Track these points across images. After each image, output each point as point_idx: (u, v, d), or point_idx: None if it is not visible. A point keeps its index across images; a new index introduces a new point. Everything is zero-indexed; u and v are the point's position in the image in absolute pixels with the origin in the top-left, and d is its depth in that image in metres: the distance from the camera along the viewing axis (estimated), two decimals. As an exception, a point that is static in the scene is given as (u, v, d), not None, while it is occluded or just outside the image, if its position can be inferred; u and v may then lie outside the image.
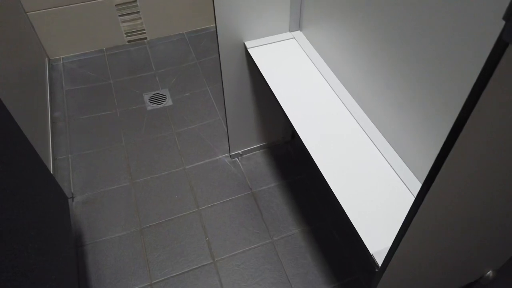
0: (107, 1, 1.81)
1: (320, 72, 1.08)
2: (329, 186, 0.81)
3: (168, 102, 1.76)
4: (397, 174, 0.83)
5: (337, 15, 0.98)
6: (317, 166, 0.86)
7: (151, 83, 1.83)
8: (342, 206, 0.78)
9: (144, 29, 1.99)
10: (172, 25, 2.03)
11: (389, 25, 0.78)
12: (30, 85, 1.50)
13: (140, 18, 1.93)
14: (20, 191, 0.83)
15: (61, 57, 1.92)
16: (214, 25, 2.10)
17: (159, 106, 1.74)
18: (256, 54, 1.16)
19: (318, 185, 1.44)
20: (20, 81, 1.38)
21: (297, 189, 1.44)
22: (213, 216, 1.36)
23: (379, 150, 0.88)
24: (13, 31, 1.48)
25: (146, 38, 2.03)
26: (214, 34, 2.08)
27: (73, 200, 1.39)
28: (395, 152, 0.87)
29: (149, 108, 1.73)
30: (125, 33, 1.96)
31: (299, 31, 1.22)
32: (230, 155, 1.52)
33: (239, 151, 1.52)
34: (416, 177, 0.82)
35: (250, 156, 1.54)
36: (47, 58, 1.89)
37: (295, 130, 0.94)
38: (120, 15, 1.88)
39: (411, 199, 0.79)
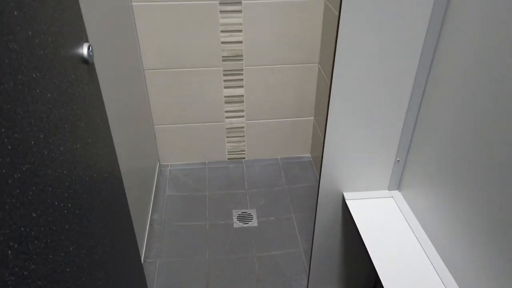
0: (220, 125, 2.08)
1: (415, 235, 1.09)
2: None
3: (254, 222, 1.84)
4: None
5: (441, 184, 1.02)
6: None
7: (241, 201, 1.96)
8: None
9: (244, 150, 2.20)
10: (269, 150, 2.22)
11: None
12: (142, 186, 1.70)
13: (243, 141, 2.16)
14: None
15: (169, 164, 2.17)
16: (308, 155, 2.26)
17: (245, 225, 1.83)
18: (353, 206, 1.22)
19: None
20: (135, 180, 1.59)
21: None
22: None
23: None
24: (141, 139, 1.75)
25: (244, 158, 2.23)
26: (305, 163, 2.22)
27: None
28: None
29: (235, 225, 1.82)
30: (228, 151, 2.19)
31: (397, 191, 1.27)
32: (307, 294, 1.50)
33: (317, 291, 1.49)
34: None
35: (327, 299, 1.50)
36: (158, 163, 2.15)
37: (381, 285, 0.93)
38: (227, 137, 2.13)
39: None
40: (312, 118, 2.14)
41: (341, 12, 0.99)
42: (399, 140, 1.19)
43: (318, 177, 1.56)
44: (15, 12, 0.54)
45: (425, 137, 1.12)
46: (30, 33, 0.58)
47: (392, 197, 1.25)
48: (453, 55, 0.99)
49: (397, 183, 1.26)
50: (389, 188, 1.27)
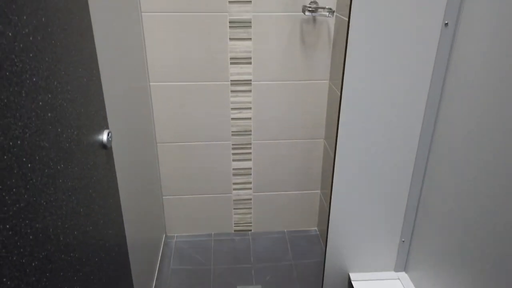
0: (227, 196, 2.11)
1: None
2: None
3: (259, 300, 1.79)
4: None
5: (447, 267, 1.01)
6: None
7: (246, 276, 1.92)
8: None
9: (251, 222, 2.20)
10: (276, 223, 2.22)
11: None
12: (147, 258, 1.70)
13: (250, 212, 2.18)
14: None
15: (175, 235, 2.18)
16: (315, 228, 2.25)
17: (250, 302, 1.78)
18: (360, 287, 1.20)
19: None
20: (141, 252, 1.59)
21: None
22: None
23: None
24: (149, 210, 1.78)
25: (250, 230, 2.22)
26: (312, 237, 2.20)
27: None
28: None
29: (240, 302, 1.77)
30: (234, 223, 2.19)
31: (404, 273, 1.25)
32: None
33: None
34: None
35: None
36: (165, 234, 2.16)
37: None
38: (235, 208, 2.15)
39: None
40: (318, 191, 2.17)
41: (341, 104, 1.07)
42: (403, 219, 1.21)
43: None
44: (49, 114, 0.62)
45: (429, 217, 1.13)
46: (59, 130, 0.65)
47: (398, 279, 1.23)
48: (446, 145, 1.04)
49: (403, 264, 1.25)
50: (396, 270, 1.26)
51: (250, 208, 2.17)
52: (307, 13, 1.71)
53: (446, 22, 1.00)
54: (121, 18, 1.40)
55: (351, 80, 1.05)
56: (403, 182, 1.15)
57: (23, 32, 0.54)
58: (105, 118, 0.93)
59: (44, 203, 0.59)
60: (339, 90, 1.13)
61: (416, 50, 1.04)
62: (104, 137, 0.89)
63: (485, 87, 0.89)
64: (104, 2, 1.18)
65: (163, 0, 1.69)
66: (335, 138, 1.11)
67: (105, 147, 0.90)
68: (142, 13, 1.70)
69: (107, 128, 0.93)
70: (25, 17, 0.55)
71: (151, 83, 1.84)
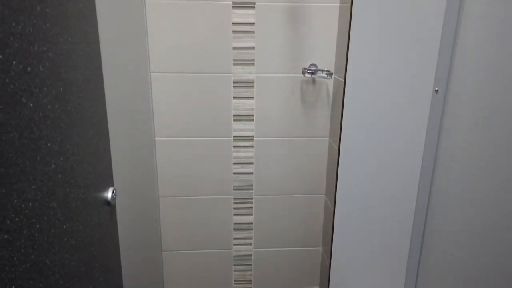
0: (227, 252, 2.09)
1: None
2: None
3: None
4: None
5: None
6: None
7: (246, 338, 1.85)
8: None
9: (251, 280, 2.15)
10: (277, 281, 2.17)
11: None
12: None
13: (250, 269, 2.14)
14: None
15: (174, 291, 2.12)
16: (317, 287, 2.19)
17: None
18: None
19: None
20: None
21: None
22: None
23: None
24: (148, 267, 1.76)
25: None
26: (314, 296, 2.14)
27: None
28: None
29: None
30: (234, 281, 2.15)
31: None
32: None
33: None
34: None
35: None
36: (163, 290, 2.11)
37: None
38: (234, 265, 2.12)
39: None
40: (320, 248, 2.15)
41: (339, 160, 1.10)
42: (405, 278, 1.19)
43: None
44: (59, 176, 0.65)
45: (431, 272, 1.12)
46: (68, 190, 0.69)
47: None
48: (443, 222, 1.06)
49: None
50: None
51: (250, 265, 2.13)
52: (306, 75, 1.81)
53: (436, 89, 1.07)
54: (130, 79, 1.48)
55: (348, 137, 1.10)
56: (403, 240, 1.16)
57: (43, 102, 0.60)
58: (110, 175, 0.96)
59: (49, 263, 0.61)
60: (337, 146, 1.18)
61: (409, 114, 1.09)
62: (109, 194, 0.92)
63: (478, 159, 0.93)
64: (115, 67, 1.27)
65: (171, 62, 1.79)
66: (334, 194, 1.13)
67: (109, 204, 0.93)
68: (151, 73, 1.80)
69: (112, 185, 0.97)
70: (45, 89, 0.60)
71: (156, 138, 1.90)
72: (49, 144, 0.61)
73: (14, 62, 0.51)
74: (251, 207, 2.04)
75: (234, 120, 1.91)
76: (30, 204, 0.55)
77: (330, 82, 1.87)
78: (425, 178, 1.13)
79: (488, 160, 0.88)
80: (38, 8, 0.58)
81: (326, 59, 1.82)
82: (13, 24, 0.51)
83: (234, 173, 1.98)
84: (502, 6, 0.86)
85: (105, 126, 0.92)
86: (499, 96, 0.86)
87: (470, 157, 0.96)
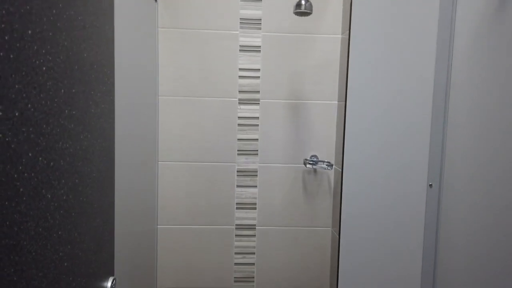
0: None
1: None
2: None
3: None
4: None
5: None
6: None
7: None
8: None
9: None
10: None
11: None
12: None
13: None
14: None
15: None
16: None
17: None
18: None
19: None
20: None
21: None
22: None
23: None
24: None
25: None
26: None
27: None
28: None
29: None
30: None
31: None
32: None
33: None
34: None
35: None
36: None
37: None
38: None
39: None
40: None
41: (340, 253, 1.11)
42: None
43: None
44: (65, 264, 0.68)
45: None
46: (71, 278, 0.70)
47: None
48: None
49: None
50: None
51: None
52: (308, 165, 1.89)
53: (430, 183, 1.12)
54: (137, 168, 1.56)
55: (348, 228, 1.12)
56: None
57: (59, 193, 0.65)
58: (112, 264, 0.97)
59: None
60: (338, 238, 1.19)
61: (406, 207, 1.13)
62: (108, 284, 0.92)
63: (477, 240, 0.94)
64: (127, 149, 1.35)
65: (178, 152, 1.89)
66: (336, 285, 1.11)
67: (108, 294, 0.93)
68: (159, 162, 1.89)
69: (113, 274, 0.97)
70: (63, 181, 0.66)
71: (158, 226, 1.91)
72: (59, 233, 0.65)
73: (40, 158, 0.58)
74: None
75: (237, 208, 1.94)
76: (35, 292, 0.57)
77: (331, 172, 1.93)
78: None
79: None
80: (66, 111, 0.66)
81: (327, 151, 1.91)
82: (44, 126, 0.59)
83: (236, 264, 1.95)
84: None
85: (111, 215, 0.96)
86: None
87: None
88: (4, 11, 0.49)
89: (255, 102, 1.90)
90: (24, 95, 0.53)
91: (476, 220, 0.93)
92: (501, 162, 0.87)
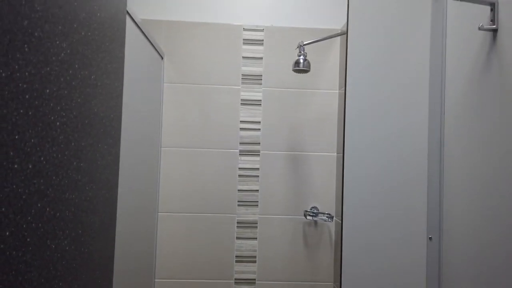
0: None
1: None
2: None
3: None
4: None
5: None
6: None
7: None
8: None
9: None
10: None
11: None
12: None
13: None
14: None
15: None
16: None
17: None
18: None
19: None
20: None
21: None
22: None
23: None
24: None
25: None
26: None
27: None
28: None
29: None
30: None
31: None
32: None
33: None
34: None
35: None
36: None
37: None
38: None
39: None
40: None
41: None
42: None
43: None
44: (63, 317, 0.67)
45: None
46: (67, 332, 0.69)
47: None
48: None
49: None
50: None
51: None
52: (308, 217, 1.88)
53: (430, 236, 1.12)
54: (136, 219, 1.56)
55: (349, 286, 1.10)
56: None
57: (63, 243, 0.66)
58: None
59: None
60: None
61: (405, 262, 1.12)
62: None
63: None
64: (128, 199, 1.36)
65: (178, 202, 1.90)
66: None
67: None
68: (159, 214, 1.88)
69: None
70: (67, 231, 0.68)
71: (156, 280, 1.87)
72: (60, 284, 0.65)
73: (47, 209, 0.60)
74: None
75: (236, 261, 1.90)
76: None
77: (332, 224, 1.92)
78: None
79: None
80: (74, 163, 0.69)
81: (327, 203, 1.92)
82: (53, 177, 0.62)
83: (234, 318, 1.88)
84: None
85: (110, 269, 0.95)
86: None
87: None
88: (27, 73, 0.53)
89: (256, 153, 1.93)
90: (38, 148, 0.57)
91: (480, 264, 0.93)
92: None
